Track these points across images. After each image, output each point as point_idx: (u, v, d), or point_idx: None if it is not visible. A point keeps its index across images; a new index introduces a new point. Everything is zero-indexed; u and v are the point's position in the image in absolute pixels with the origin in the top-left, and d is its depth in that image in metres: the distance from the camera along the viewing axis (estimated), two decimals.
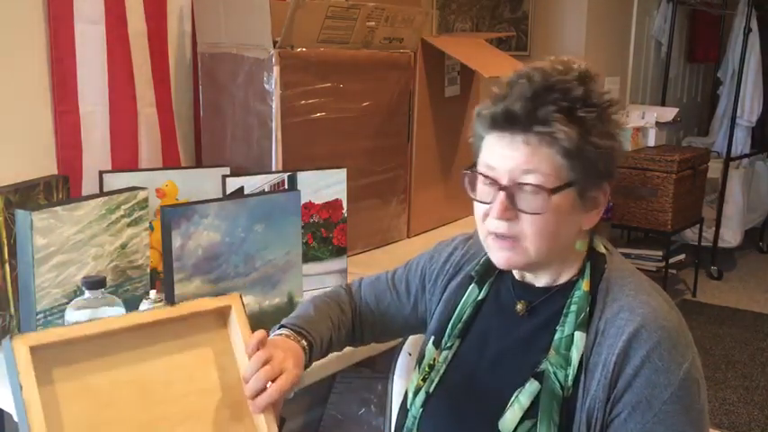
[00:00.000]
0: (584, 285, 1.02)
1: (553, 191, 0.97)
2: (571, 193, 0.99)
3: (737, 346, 3.71)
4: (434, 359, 1.13)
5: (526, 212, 0.98)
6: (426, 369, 1.13)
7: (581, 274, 1.04)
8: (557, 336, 1.00)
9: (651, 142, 4.28)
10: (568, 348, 0.99)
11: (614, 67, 4.48)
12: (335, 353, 1.26)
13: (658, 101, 4.86)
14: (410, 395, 1.14)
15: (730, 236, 4.69)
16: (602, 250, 1.07)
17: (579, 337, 0.99)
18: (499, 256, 1.03)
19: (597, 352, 0.98)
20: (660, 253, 4.10)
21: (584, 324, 0.99)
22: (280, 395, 1.00)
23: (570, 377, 0.98)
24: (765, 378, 3.36)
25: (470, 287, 1.15)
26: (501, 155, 0.99)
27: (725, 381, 3.33)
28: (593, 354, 0.98)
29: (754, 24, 4.62)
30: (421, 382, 1.13)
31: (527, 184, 0.97)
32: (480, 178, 1.02)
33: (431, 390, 1.11)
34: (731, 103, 4.68)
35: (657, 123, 4.31)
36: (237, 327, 1.04)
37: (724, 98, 5.08)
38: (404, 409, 1.15)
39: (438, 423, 1.10)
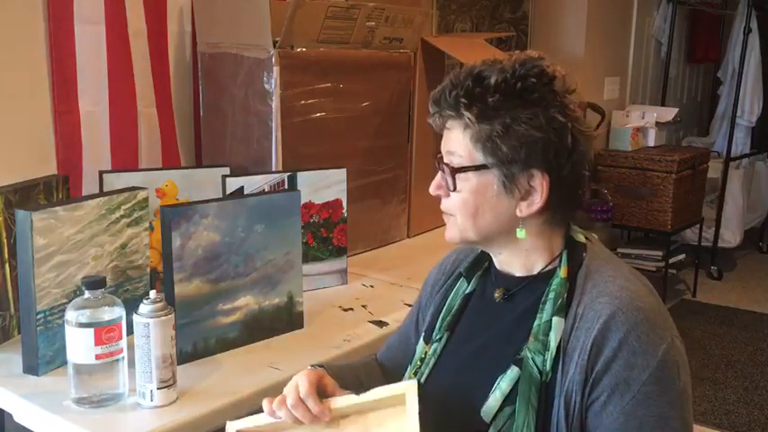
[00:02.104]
0: (562, 272, 1.04)
1: (457, 170, 1.04)
2: (488, 177, 1.03)
3: (737, 346, 3.71)
4: (425, 353, 1.15)
5: (448, 189, 1.06)
6: (418, 363, 1.15)
7: (559, 262, 1.05)
8: (535, 322, 1.01)
9: (651, 142, 4.28)
10: (546, 334, 1.00)
11: (614, 67, 4.47)
12: None
13: (658, 101, 4.85)
14: None
15: (730, 236, 4.69)
16: (582, 240, 1.08)
17: (557, 322, 0.99)
18: (446, 232, 1.12)
19: (575, 336, 0.98)
20: (660, 253, 4.10)
21: (563, 309, 1.00)
22: (305, 390, 1.04)
23: (548, 362, 0.98)
24: (765, 378, 3.36)
25: (459, 281, 1.17)
26: (443, 136, 1.08)
27: (725, 381, 3.33)
28: (572, 338, 0.99)
29: (754, 24, 4.62)
30: (412, 375, 1.14)
31: (445, 163, 1.06)
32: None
33: (422, 381, 1.12)
34: (731, 103, 4.68)
35: (657, 123, 4.31)
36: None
37: (724, 98, 5.08)
38: None
39: (428, 414, 1.11)
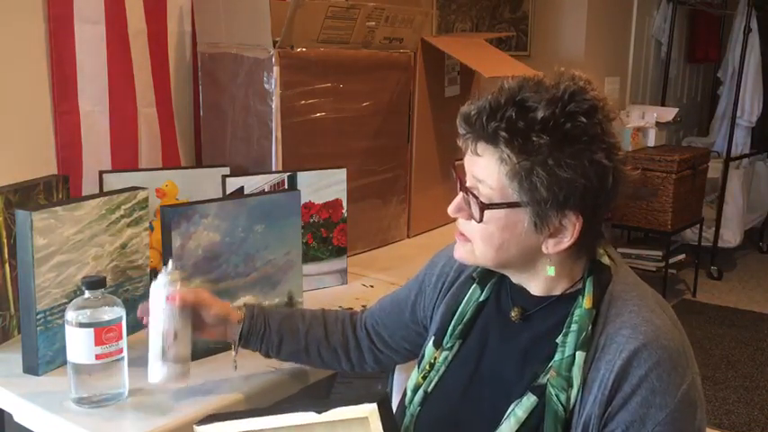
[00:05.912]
0: (586, 302, 0.99)
1: (487, 206, 0.97)
2: (519, 214, 0.97)
3: (737, 346, 3.71)
4: (435, 358, 1.13)
5: (472, 217, 1.00)
6: (426, 368, 1.13)
7: (582, 287, 1.02)
8: (557, 357, 0.98)
9: (651, 142, 4.28)
10: (569, 369, 0.97)
11: (614, 67, 4.48)
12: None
13: (658, 101, 4.86)
14: (409, 392, 1.14)
15: (730, 236, 4.70)
16: (607, 262, 1.04)
17: (580, 356, 0.97)
18: (455, 249, 1.07)
19: (596, 367, 0.97)
20: (660, 253, 4.10)
21: (586, 343, 0.97)
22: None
23: (573, 398, 0.96)
24: (765, 378, 3.36)
25: (472, 287, 1.14)
26: (467, 155, 1.00)
27: (725, 381, 3.33)
28: (592, 369, 0.97)
29: (754, 24, 4.62)
30: (421, 380, 1.13)
31: (472, 193, 0.99)
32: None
33: (429, 389, 1.11)
34: (731, 103, 4.69)
35: (657, 123, 4.31)
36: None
37: (724, 98, 5.09)
38: (402, 406, 1.15)
39: (434, 424, 1.10)
